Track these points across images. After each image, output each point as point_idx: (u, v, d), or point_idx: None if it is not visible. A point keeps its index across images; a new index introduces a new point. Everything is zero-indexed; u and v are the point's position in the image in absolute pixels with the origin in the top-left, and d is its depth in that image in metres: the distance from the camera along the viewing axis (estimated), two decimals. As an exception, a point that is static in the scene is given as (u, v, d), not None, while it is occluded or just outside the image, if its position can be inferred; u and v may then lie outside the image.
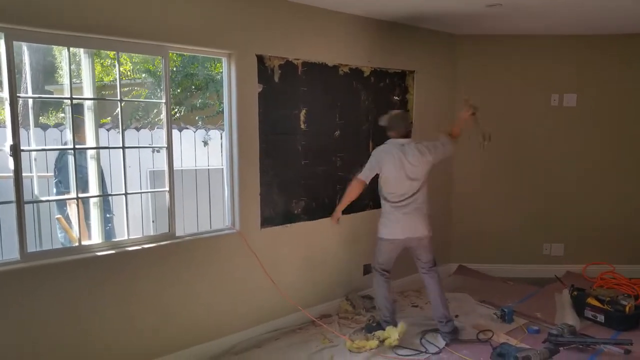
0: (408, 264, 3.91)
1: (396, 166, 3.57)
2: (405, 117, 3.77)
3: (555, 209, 5.30)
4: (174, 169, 3.39)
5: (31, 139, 4.12)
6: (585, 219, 5.29)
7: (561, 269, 5.27)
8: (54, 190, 4.16)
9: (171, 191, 3.36)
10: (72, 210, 3.91)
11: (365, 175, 3.68)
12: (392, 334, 3.60)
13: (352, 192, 3.74)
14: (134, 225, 3.60)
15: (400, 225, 3.63)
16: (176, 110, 7.56)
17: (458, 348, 3.60)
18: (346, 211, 4.32)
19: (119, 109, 3.27)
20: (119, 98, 3.21)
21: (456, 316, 4.02)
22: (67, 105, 3.32)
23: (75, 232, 3.43)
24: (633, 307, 3.94)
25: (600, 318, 4.00)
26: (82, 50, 3.20)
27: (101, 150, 3.51)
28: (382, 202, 3.73)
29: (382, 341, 3.61)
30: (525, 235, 5.34)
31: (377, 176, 3.68)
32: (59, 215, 3.95)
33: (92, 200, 3.44)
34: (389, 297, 3.80)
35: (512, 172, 5.31)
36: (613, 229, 5.28)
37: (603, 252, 5.24)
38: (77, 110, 3.51)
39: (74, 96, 3.03)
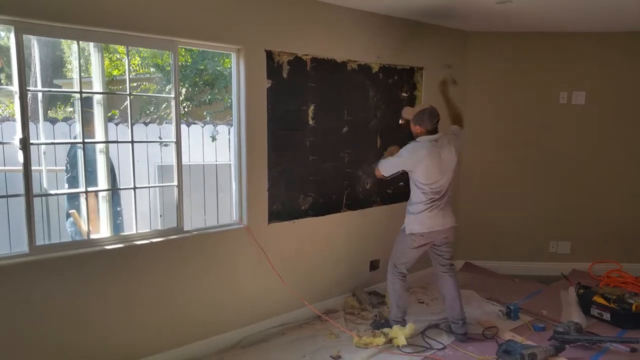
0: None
1: (434, 162, 3.50)
2: (434, 113, 3.60)
3: (562, 207, 5.28)
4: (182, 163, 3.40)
5: (40, 133, 4.13)
6: (592, 217, 5.27)
7: (567, 266, 5.25)
8: (66, 185, 4.16)
9: (179, 186, 3.38)
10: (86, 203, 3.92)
11: (387, 169, 3.67)
12: (400, 335, 3.57)
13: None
14: (142, 219, 3.61)
15: (434, 218, 3.57)
16: (184, 105, 7.58)
17: (463, 345, 3.60)
18: (353, 207, 4.34)
19: (127, 103, 3.28)
20: (128, 92, 3.23)
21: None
22: (76, 99, 3.33)
23: (85, 225, 3.45)
24: (640, 305, 3.93)
25: (607, 316, 3.99)
26: (91, 44, 3.22)
27: (110, 145, 3.53)
28: (414, 199, 3.62)
29: (390, 339, 3.60)
30: (531, 232, 5.32)
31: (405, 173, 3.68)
32: (72, 210, 3.95)
33: (101, 194, 3.47)
34: (406, 298, 3.80)
35: (519, 169, 5.29)
36: (620, 227, 5.25)
37: (610, 250, 5.22)
38: (86, 104, 3.52)
39: (83, 90, 3.04)
